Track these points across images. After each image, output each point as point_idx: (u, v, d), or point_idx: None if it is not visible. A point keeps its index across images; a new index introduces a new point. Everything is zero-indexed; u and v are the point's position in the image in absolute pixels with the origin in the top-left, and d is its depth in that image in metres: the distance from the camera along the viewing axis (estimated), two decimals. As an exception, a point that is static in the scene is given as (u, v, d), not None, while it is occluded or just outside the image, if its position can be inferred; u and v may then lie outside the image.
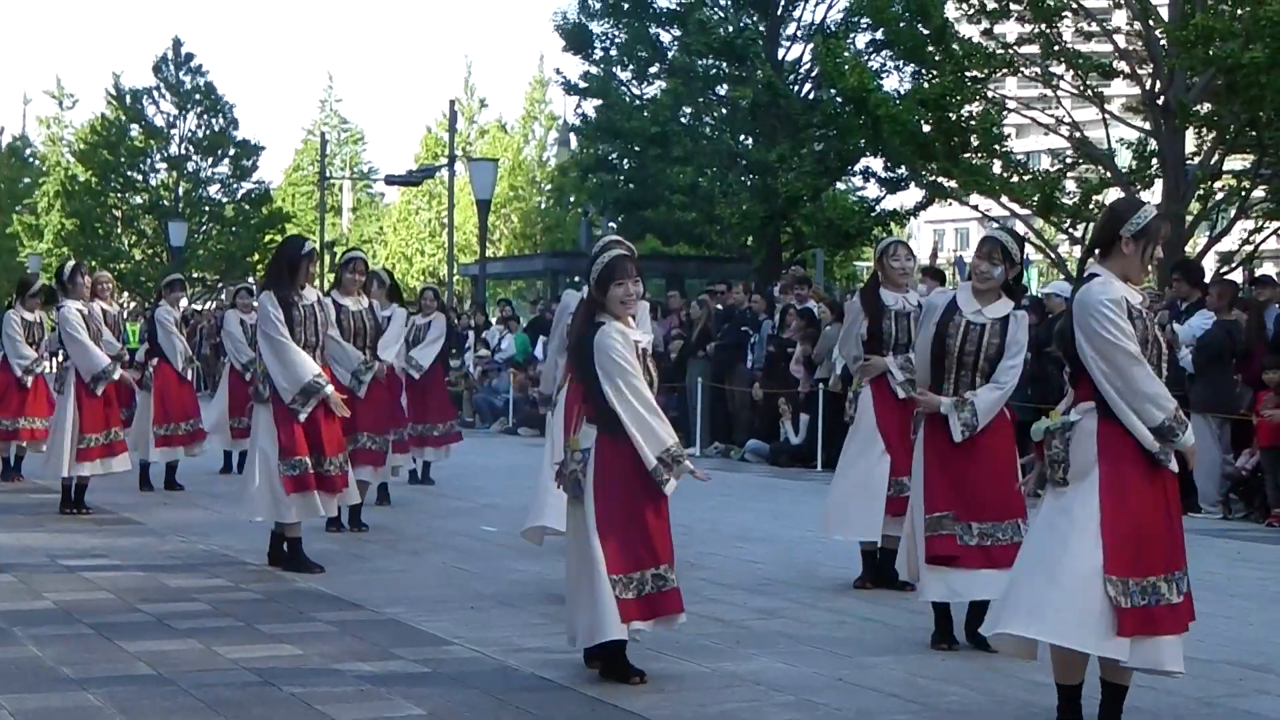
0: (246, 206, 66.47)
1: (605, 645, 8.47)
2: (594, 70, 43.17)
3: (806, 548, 13.85)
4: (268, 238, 65.74)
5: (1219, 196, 29.61)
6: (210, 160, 66.62)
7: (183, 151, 66.21)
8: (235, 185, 67.01)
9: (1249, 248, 30.11)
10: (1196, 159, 29.11)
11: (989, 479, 9.59)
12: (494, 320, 34.79)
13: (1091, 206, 29.65)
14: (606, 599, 8.34)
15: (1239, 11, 26.86)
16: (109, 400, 16.28)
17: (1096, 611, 7.11)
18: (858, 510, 11.74)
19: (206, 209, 66.10)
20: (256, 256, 64.23)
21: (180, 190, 65.84)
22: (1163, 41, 28.21)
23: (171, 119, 66.31)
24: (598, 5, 42.60)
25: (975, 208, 32.51)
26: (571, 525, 8.76)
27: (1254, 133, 27.83)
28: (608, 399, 8.43)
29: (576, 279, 37.24)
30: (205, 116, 66.29)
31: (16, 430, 19.29)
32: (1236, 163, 29.68)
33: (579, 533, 8.58)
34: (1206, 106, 28.25)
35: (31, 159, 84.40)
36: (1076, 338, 7.38)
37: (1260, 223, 30.58)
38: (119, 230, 66.17)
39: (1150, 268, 9.21)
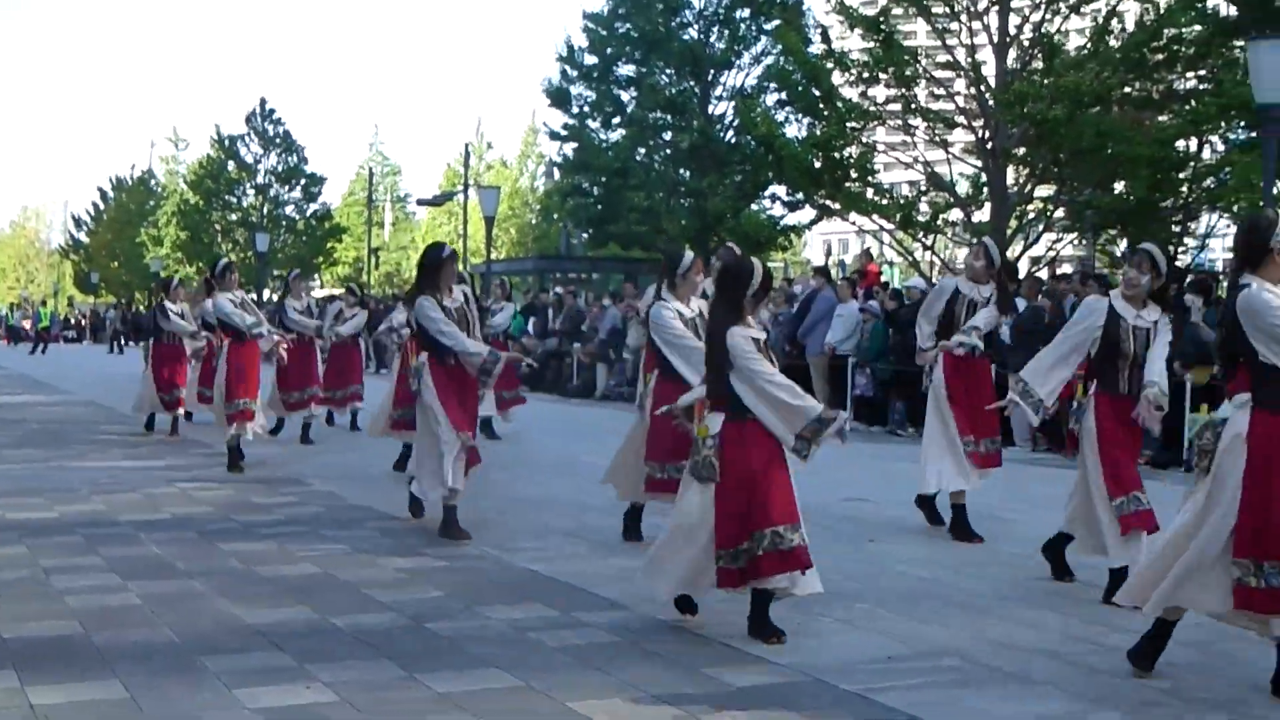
0: (313, 222, 66.54)
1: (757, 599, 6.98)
2: (572, 121, 43.19)
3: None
4: (329, 244, 66.12)
5: (1031, 216, 29.69)
6: (286, 188, 66.62)
7: (266, 181, 66.28)
8: (305, 206, 66.98)
9: (1052, 253, 30.32)
10: (1015, 188, 29.20)
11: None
12: (490, 297, 34.52)
13: (939, 222, 29.82)
14: (702, 565, 7.02)
15: (1045, 81, 26.95)
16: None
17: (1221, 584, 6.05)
18: (947, 465, 10.30)
19: (283, 224, 66.13)
20: (320, 260, 64.32)
21: (264, 210, 65.84)
22: (990, 102, 28.29)
23: (258, 157, 66.37)
24: (575, 74, 42.69)
25: (853, 223, 32.59)
26: (698, 502, 6.98)
27: (1056, 169, 28.05)
28: (737, 390, 6.93)
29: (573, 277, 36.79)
30: (283, 155, 66.32)
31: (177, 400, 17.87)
32: (1044, 191, 29.78)
33: (703, 509, 6.96)
34: (1022, 150, 28.33)
35: (155, 187, 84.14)
36: (1247, 337, 6.02)
37: (1060, 235, 30.79)
38: (219, 240, 66.03)
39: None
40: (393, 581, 8.28)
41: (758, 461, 6.89)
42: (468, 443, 9.91)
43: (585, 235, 47.01)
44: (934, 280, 27.84)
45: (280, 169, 66.32)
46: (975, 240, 11.22)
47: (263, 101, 66.68)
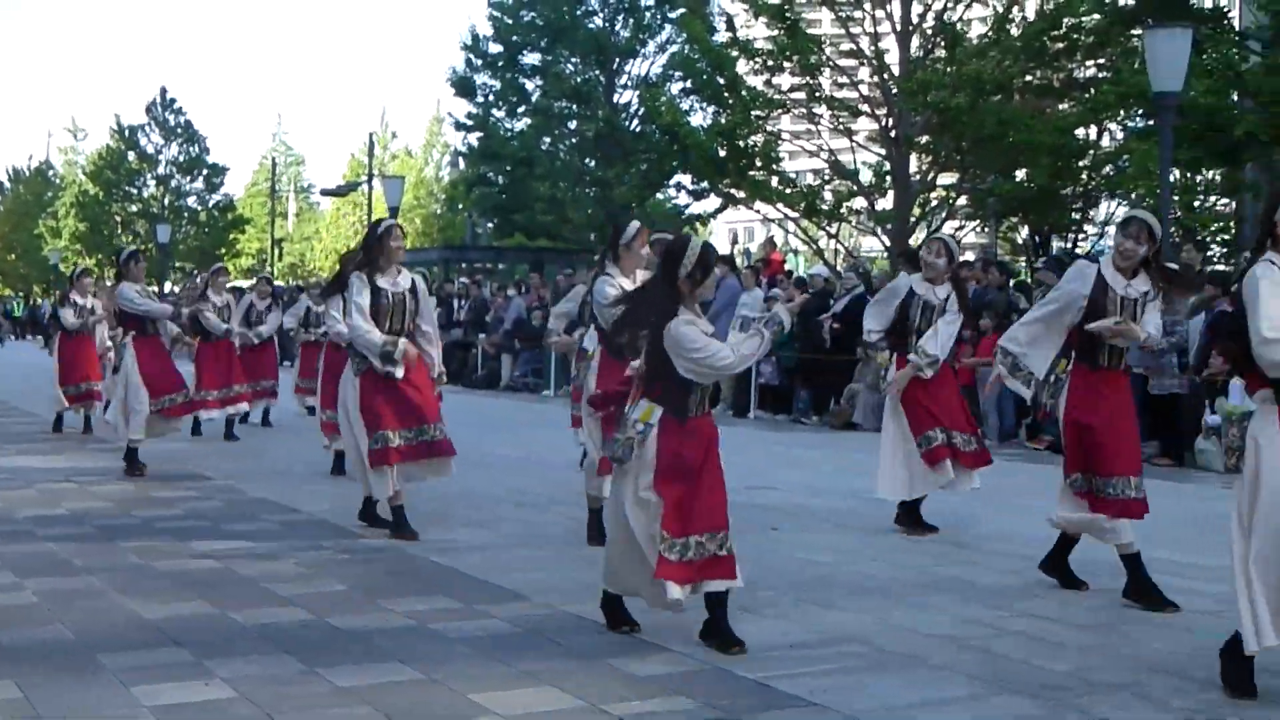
0: (216, 213, 66.12)
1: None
2: (477, 111, 43.10)
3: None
4: (232, 235, 65.70)
5: (934, 204, 29.98)
6: (188, 178, 66.07)
7: (167, 172, 65.73)
8: (207, 197, 66.45)
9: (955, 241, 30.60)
10: (918, 176, 29.43)
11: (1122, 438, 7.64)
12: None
13: (843, 210, 30.02)
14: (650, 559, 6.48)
15: (948, 69, 27.20)
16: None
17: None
18: (902, 473, 9.90)
19: (185, 215, 65.62)
20: (223, 251, 63.71)
21: (166, 201, 65.21)
22: (894, 90, 28.49)
23: (159, 148, 65.80)
24: (480, 63, 42.62)
25: (758, 211, 32.73)
26: (617, 489, 6.69)
27: (959, 157, 28.33)
28: (692, 376, 6.48)
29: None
30: (184, 145, 65.78)
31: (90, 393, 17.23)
32: (946, 179, 30.06)
33: (624, 496, 6.56)
34: (925, 138, 28.56)
35: (53, 178, 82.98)
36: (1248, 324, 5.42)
37: (962, 223, 31.13)
38: (119, 232, 65.28)
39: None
40: (293, 575, 8.20)
41: (694, 460, 6.48)
42: (387, 443, 9.44)
43: (490, 225, 46.88)
44: (838, 268, 28.07)
45: (182, 159, 65.72)
46: (933, 238, 11.01)
47: (163, 91, 66.19)
